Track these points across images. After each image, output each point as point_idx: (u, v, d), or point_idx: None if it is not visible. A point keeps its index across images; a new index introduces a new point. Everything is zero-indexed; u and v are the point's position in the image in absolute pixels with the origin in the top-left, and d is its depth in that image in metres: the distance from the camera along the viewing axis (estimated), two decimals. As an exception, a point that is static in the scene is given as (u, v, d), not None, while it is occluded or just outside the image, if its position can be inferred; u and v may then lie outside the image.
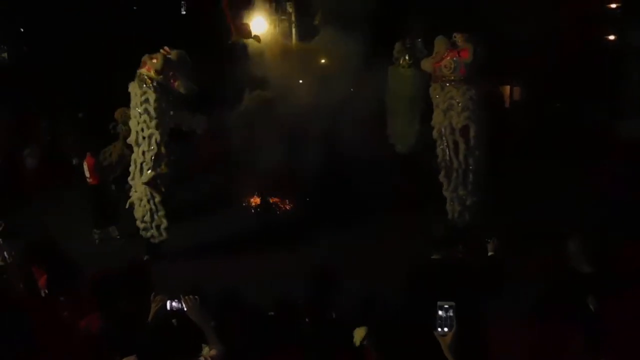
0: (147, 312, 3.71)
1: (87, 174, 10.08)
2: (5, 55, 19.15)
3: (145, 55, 8.86)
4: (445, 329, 2.97)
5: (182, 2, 19.11)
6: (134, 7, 19.11)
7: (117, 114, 12.71)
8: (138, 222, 9.02)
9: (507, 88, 19.47)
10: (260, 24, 12.15)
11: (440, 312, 2.99)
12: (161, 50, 8.81)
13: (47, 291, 4.66)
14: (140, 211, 8.97)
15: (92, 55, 16.51)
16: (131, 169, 9.02)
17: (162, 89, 8.71)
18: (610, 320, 3.90)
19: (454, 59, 8.45)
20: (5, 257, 4.82)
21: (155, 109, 8.65)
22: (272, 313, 4.07)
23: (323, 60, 12.74)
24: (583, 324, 3.92)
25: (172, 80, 8.74)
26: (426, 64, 8.97)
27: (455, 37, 8.67)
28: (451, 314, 2.98)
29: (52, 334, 3.86)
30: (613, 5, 17.97)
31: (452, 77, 8.50)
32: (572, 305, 4.01)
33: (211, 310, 3.60)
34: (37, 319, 3.99)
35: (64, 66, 16.79)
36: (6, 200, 11.05)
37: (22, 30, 18.80)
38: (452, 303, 2.99)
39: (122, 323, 3.77)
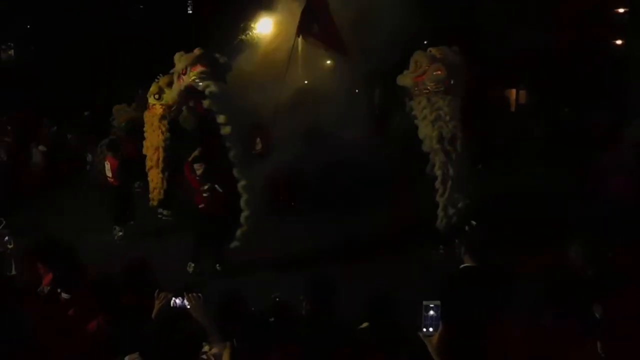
0: (150, 309, 3.73)
1: (109, 174, 10.01)
2: (12, 52, 19.26)
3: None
4: (431, 329, 2.97)
5: (188, 2, 19.17)
6: (140, 6, 19.21)
7: (115, 109, 12.76)
8: None
9: (513, 92, 19.52)
10: (266, 24, 12.17)
11: (425, 312, 2.98)
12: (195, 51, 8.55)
13: (51, 289, 4.67)
14: None
15: (99, 54, 16.59)
16: None
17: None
18: (614, 324, 3.89)
19: (437, 72, 8.48)
20: (5, 241, 4.81)
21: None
22: (273, 313, 4.09)
23: (328, 61, 12.76)
24: (586, 328, 3.91)
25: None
26: (405, 79, 8.86)
27: (431, 50, 8.74)
28: (437, 313, 2.97)
29: (55, 332, 3.87)
30: (621, 10, 18.01)
31: (438, 89, 8.51)
32: (575, 309, 4.00)
33: (214, 309, 3.62)
34: (40, 316, 4.00)
35: (70, 64, 16.87)
36: (12, 197, 11.10)
37: (28, 27, 18.92)
38: (438, 302, 2.98)
39: (126, 320, 3.79)
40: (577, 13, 16.40)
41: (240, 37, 12.03)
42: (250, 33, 12.26)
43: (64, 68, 16.90)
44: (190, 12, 19.09)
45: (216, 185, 8.33)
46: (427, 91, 8.58)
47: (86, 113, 15.93)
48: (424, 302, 3.03)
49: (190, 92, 8.77)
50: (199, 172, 8.38)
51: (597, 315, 3.99)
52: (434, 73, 8.47)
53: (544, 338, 3.90)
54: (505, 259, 5.07)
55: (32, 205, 11.13)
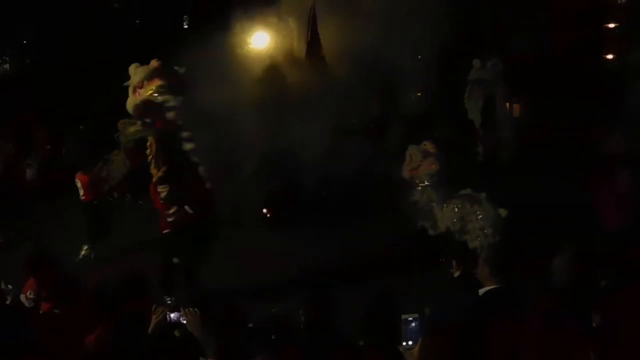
0: (147, 323, 3.72)
1: (81, 192, 9.95)
2: (7, 66, 19.29)
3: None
4: (410, 342, 2.95)
5: (184, 17, 19.25)
6: (137, 21, 19.29)
7: (120, 124, 12.72)
8: None
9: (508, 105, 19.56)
10: (262, 39, 12.20)
11: (405, 326, 2.96)
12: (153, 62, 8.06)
13: (43, 302, 4.63)
14: None
15: (95, 67, 16.61)
16: None
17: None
18: (610, 334, 3.87)
19: (431, 165, 8.81)
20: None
21: None
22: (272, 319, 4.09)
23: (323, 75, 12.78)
24: (582, 338, 3.88)
25: None
26: (402, 172, 9.16)
27: (425, 144, 9.02)
28: (417, 326, 2.96)
29: (51, 347, 3.84)
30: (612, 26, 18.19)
31: (431, 182, 8.78)
32: (572, 318, 3.96)
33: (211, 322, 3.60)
34: (35, 331, 3.97)
35: (65, 78, 16.89)
36: (7, 210, 11.06)
37: (24, 42, 18.96)
38: (417, 315, 2.97)
39: (123, 333, 3.77)
40: (573, 23, 16.58)
41: (235, 50, 12.03)
42: (245, 47, 12.26)
43: (59, 82, 16.91)
44: (186, 27, 19.16)
45: (186, 207, 7.68)
46: (421, 184, 8.83)
47: (81, 127, 15.91)
48: (403, 316, 3.02)
49: (148, 107, 7.87)
50: (163, 195, 7.68)
51: (594, 325, 3.97)
52: (428, 167, 8.83)
53: (540, 346, 3.85)
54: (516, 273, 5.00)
55: (27, 219, 11.08)
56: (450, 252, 5.70)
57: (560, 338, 3.68)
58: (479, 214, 8.32)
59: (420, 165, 8.90)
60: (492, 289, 4.33)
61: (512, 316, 4.00)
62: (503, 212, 8.43)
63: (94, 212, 9.98)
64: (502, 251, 4.73)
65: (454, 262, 5.44)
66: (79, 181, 9.98)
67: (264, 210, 11.18)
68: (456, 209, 8.44)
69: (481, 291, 4.38)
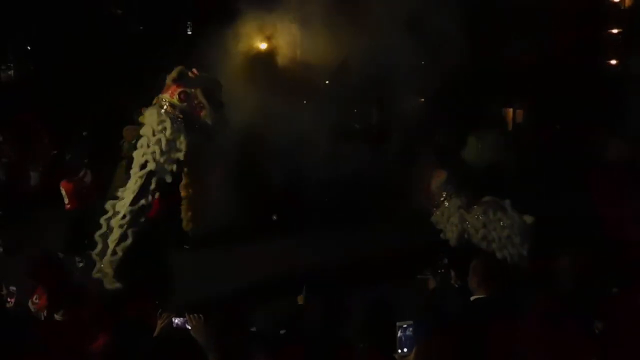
0: (150, 326, 3.74)
1: (66, 200, 9.74)
2: (11, 72, 19.35)
3: (169, 77, 7.71)
4: (405, 350, 2.96)
5: (188, 23, 19.29)
6: (140, 27, 19.34)
7: (125, 130, 12.69)
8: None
9: (510, 111, 19.58)
10: (264, 44, 12.26)
11: (400, 333, 2.97)
12: (189, 73, 7.74)
13: (49, 310, 4.65)
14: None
15: (99, 74, 16.69)
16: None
17: (186, 119, 7.42)
18: (612, 340, 3.88)
19: (439, 179, 8.95)
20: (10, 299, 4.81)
21: (168, 141, 7.30)
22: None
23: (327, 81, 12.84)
24: (584, 344, 3.89)
25: (197, 109, 7.50)
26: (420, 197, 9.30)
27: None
28: (411, 334, 2.96)
29: (54, 349, 3.86)
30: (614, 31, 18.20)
31: (448, 190, 8.88)
32: (575, 324, 3.97)
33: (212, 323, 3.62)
34: (39, 334, 3.99)
35: (69, 84, 16.95)
36: (9, 216, 11.08)
37: (28, 48, 19.06)
38: (411, 322, 2.97)
39: (126, 336, 3.79)
40: (573, 31, 16.61)
41: (236, 54, 12.09)
42: (247, 51, 12.32)
43: (63, 86, 16.97)
44: (190, 32, 19.19)
45: None
46: (440, 200, 8.92)
47: (84, 133, 15.94)
48: (398, 323, 3.02)
49: None
50: None
51: (597, 331, 3.97)
52: (438, 177, 8.95)
53: (540, 347, 3.86)
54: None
55: (31, 223, 11.11)
56: (450, 263, 5.65)
57: (561, 340, 3.69)
58: (503, 222, 8.17)
59: (431, 180, 8.99)
60: (479, 298, 4.33)
61: (499, 325, 4.04)
62: (528, 219, 8.25)
63: (76, 221, 9.72)
64: (490, 262, 4.69)
65: (452, 274, 5.41)
66: (63, 189, 9.79)
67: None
68: (479, 217, 8.35)
69: (471, 299, 4.41)
